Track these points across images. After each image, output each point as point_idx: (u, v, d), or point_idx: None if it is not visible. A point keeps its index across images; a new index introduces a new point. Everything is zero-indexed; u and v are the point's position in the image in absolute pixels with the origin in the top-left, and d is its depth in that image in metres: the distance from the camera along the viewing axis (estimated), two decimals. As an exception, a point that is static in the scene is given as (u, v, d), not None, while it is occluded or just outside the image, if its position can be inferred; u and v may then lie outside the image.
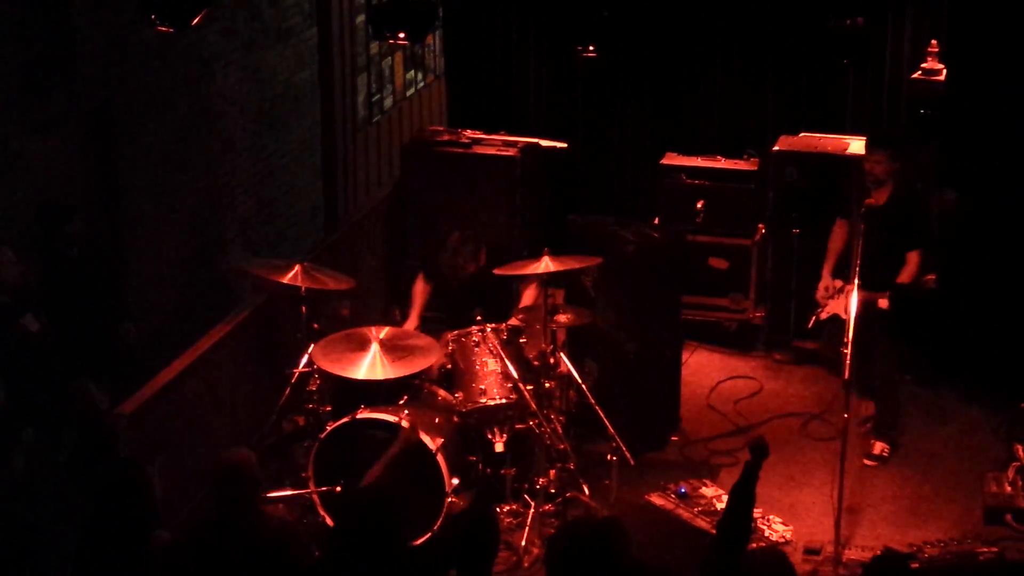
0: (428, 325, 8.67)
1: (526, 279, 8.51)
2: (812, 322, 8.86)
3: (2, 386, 6.99)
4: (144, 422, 7.47)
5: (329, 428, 7.70)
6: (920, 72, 9.64)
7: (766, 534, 7.87)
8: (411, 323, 8.69)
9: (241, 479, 5.87)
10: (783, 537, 7.86)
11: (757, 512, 8.04)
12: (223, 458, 6.04)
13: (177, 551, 5.88)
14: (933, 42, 9.60)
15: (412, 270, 9.23)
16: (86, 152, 8.70)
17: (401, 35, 8.16)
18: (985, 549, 7.35)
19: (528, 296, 8.51)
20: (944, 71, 9.50)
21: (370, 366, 7.77)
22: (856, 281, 7.71)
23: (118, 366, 8.03)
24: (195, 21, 7.13)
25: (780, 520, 8.01)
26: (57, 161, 8.38)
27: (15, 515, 6.93)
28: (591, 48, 9.23)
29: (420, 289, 8.84)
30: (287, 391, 8.12)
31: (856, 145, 9.70)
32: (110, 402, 7.65)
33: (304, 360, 8.05)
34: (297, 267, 8.08)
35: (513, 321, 8.23)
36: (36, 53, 8.16)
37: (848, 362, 7.56)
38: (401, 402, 7.82)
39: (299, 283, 8.03)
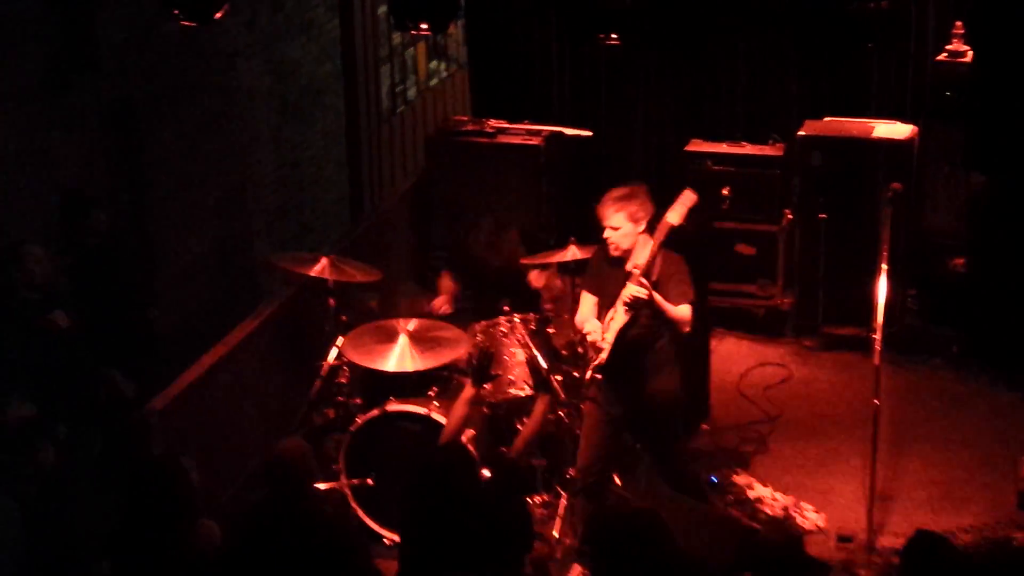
0: (456, 316, 8.65)
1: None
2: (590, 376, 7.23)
3: (28, 397, 7.00)
4: (175, 417, 7.48)
5: (359, 421, 7.70)
6: (945, 54, 9.58)
7: (798, 522, 7.83)
8: (445, 307, 8.59)
9: (296, 468, 5.92)
10: (816, 525, 7.82)
11: (789, 500, 8.02)
12: (277, 448, 6.10)
13: (232, 540, 5.93)
14: (957, 24, 9.54)
15: (438, 260, 9.20)
16: (110, 146, 8.70)
17: (423, 26, 8.12)
18: (1020, 535, 7.31)
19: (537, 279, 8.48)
20: (969, 53, 9.43)
21: (399, 358, 7.76)
22: (884, 267, 7.62)
23: (143, 353, 8.05)
24: (218, 15, 7.12)
25: (812, 508, 7.97)
26: (81, 156, 8.39)
27: (48, 511, 6.95)
28: (613, 36, 9.18)
29: (446, 285, 8.76)
30: (317, 384, 8.12)
31: (882, 128, 9.66)
32: (136, 391, 7.67)
33: (333, 353, 8.05)
34: (324, 260, 8.07)
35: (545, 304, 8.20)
36: (59, 47, 8.16)
37: (878, 348, 7.52)
38: (431, 393, 7.81)
39: (326, 276, 8.03)
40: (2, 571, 6.62)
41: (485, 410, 7.84)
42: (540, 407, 6.82)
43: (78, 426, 7.28)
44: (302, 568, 5.86)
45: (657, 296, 6.98)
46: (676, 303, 7.04)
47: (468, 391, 6.85)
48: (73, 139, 8.29)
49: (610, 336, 7.07)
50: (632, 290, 6.97)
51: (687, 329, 7.11)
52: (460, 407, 6.80)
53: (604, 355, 7.08)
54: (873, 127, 9.71)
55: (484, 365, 6.93)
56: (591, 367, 7.18)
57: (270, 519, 5.96)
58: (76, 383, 7.37)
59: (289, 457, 6.02)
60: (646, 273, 6.98)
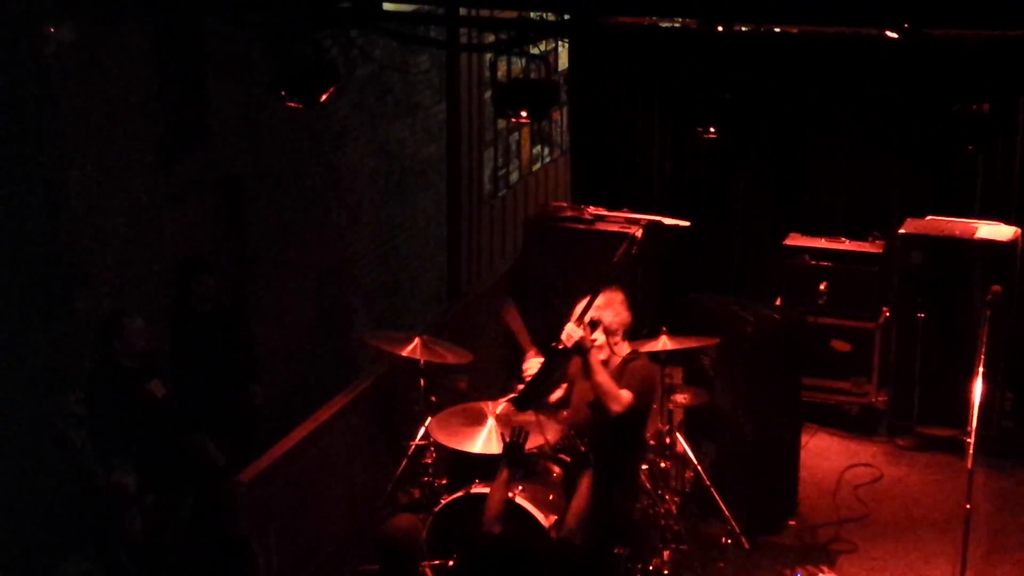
0: (542, 402, 8.65)
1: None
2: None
3: (132, 471, 7.13)
4: (262, 490, 7.57)
5: (443, 502, 7.73)
6: (1050, 156, 9.51)
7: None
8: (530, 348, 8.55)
9: (406, 546, 6.01)
10: (900, 629, 7.69)
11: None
12: (389, 524, 6.18)
13: None
14: (1064, 126, 9.48)
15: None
16: (217, 221, 8.89)
17: (523, 113, 8.24)
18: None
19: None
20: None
21: (485, 441, 7.79)
22: (981, 369, 7.53)
23: (243, 427, 8.18)
24: (323, 98, 7.28)
25: (898, 611, 7.85)
26: (189, 229, 8.57)
27: (132, 577, 7.06)
28: (711, 129, 9.23)
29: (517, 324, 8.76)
30: (404, 463, 8.18)
31: (985, 229, 9.57)
32: (228, 461, 7.78)
33: (421, 432, 8.11)
34: (417, 340, 8.16)
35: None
36: (171, 124, 8.38)
37: (971, 451, 7.40)
38: (516, 477, 7.81)
39: (418, 356, 8.11)
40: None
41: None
42: (584, 483, 6.82)
43: (167, 495, 7.39)
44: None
45: (594, 358, 7.07)
46: (621, 387, 7.08)
47: (502, 473, 6.87)
48: (181, 213, 8.48)
49: (532, 370, 7.42)
50: (568, 329, 7.13)
51: (616, 408, 7.06)
52: (496, 490, 6.81)
53: (520, 386, 7.51)
54: (975, 227, 9.63)
55: (516, 446, 6.95)
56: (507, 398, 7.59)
57: None
58: (168, 452, 7.49)
59: (400, 534, 6.09)
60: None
